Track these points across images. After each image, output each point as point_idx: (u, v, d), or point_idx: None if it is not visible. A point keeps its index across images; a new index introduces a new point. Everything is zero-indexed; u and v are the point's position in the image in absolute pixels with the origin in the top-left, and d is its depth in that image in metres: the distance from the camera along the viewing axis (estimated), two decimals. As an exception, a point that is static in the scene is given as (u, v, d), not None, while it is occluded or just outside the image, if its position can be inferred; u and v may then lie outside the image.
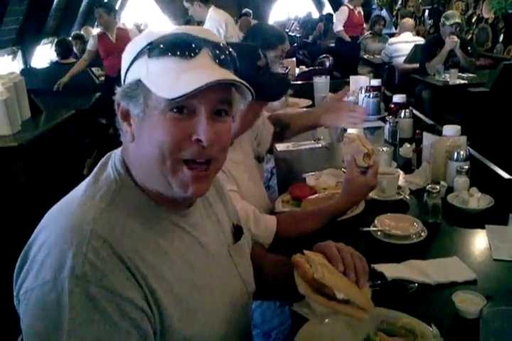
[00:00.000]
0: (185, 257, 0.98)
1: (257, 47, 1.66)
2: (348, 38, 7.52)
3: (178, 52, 0.88)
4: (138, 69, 0.92)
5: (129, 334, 0.83)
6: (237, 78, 0.90)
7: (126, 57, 0.94)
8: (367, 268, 1.13)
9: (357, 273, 1.09)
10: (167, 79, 0.87)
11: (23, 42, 7.36)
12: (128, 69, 0.94)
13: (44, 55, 8.33)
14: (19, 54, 7.48)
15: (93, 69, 6.60)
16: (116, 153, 1.01)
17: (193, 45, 0.89)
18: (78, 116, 4.39)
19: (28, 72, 6.45)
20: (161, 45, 0.89)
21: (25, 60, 7.57)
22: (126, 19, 13.74)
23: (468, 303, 1.20)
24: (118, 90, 0.94)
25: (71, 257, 0.80)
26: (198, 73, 0.87)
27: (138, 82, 0.90)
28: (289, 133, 2.26)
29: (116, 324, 0.81)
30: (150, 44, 0.90)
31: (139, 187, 0.95)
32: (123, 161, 0.98)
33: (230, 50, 0.95)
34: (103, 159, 1.02)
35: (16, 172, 3.28)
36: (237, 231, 1.19)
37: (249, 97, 0.93)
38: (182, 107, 0.88)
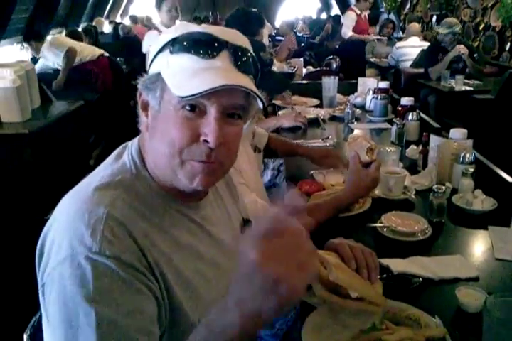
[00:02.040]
0: (194, 247, 1.00)
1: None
2: (364, 38, 7.47)
3: (198, 51, 0.90)
4: (160, 62, 0.94)
5: (150, 299, 0.87)
6: (247, 85, 0.89)
7: (152, 48, 0.97)
8: (378, 264, 1.18)
9: (369, 270, 1.14)
10: (182, 77, 0.89)
11: (32, 31, 7.38)
12: (152, 61, 0.97)
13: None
14: (28, 43, 7.50)
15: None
16: (133, 142, 1.03)
17: (214, 46, 0.91)
18: (86, 107, 4.43)
19: (37, 61, 6.47)
20: (184, 42, 0.91)
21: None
22: (133, 13, 13.76)
23: (471, 298, 1.25)
24: (140, 80, 0.96)
25: (89, 235, 0.84)
26: (212, 75, 0.89)
27: (158, 75, 0.93)
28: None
29: (137, 289, 0.85)
30: (174, 39, 0.92)
31: (152, 178, 0.98)
32: (139, 151, 1.00)
33: (253, 54, 0.97)
34: (119, 148, 1.04)
35: (25, 158, 3.32)
36: (246, 225, 1.22)
37: (260, 105, 0.94)
38: (194, 106, 0.90)
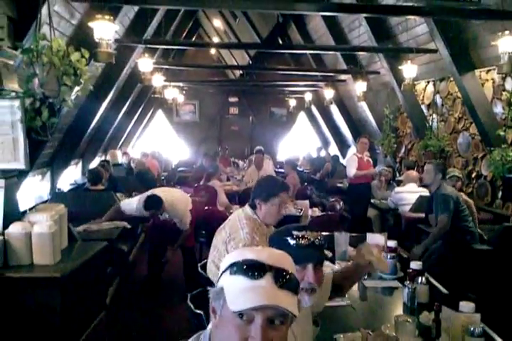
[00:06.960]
0: None
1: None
2: (367, 173, 8.05)
3: (248, 274, 1.24)
4: (224, 279, 1.29)
5: None
6: (284, 304, 1.20)
7: (222, 266, 1.33)
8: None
9: None
10: (235, 294, 1.23)
11: (53, 164, 7.87)
12: (220, 277, 1.32)
13: (68, 175, 8.83)
14: (48, 174, 7.95)
15: (118, 194, 6.97)
16: (206, 331, 1.36)
17: (260, 270, 1.24)
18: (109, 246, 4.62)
19: (57, 195, 6.85)
20: (239, 266, 1.26)
21: (53, 181, 8.03)
22: (141, 147, 14.67)
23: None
24: (212, 290, 1.30)
25: None
26: (257, 294, 1.20)
27: (222, 290, 1.26)
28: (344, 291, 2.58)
29: None
30: (233, 264, 1.27)
31: None
32: (209, 337, 1.33)
33: (292, 273, 1.29)
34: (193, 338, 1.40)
35: (54, 302, 3.38)
36: None
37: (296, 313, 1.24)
38: (242, 314, 1.20)
